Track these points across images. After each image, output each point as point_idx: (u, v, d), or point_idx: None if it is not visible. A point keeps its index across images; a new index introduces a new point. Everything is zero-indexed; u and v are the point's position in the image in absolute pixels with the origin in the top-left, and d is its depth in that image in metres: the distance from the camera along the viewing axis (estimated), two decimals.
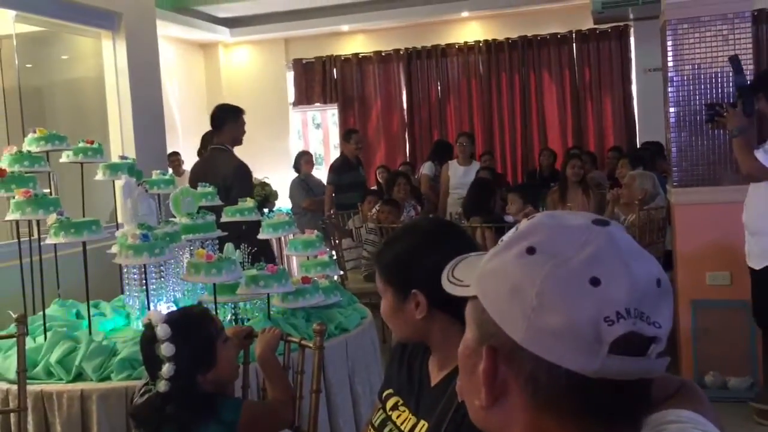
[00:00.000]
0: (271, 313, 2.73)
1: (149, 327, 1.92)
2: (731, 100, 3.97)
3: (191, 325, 1.94)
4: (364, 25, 8.92)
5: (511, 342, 0.73)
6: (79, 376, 2.44)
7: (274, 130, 9.12)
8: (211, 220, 3.09)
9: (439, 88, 9.04)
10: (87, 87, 5.48)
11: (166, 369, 1.85)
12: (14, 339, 2.35)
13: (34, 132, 3.05)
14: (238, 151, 4.53)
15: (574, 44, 8.56)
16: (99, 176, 3.09)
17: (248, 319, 2.74)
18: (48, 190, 3.00)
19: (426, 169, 7.48)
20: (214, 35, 8.88)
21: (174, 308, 2.65)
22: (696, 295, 4.20)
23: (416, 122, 9.10)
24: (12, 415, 2.39)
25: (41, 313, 2.72)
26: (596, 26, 8.15)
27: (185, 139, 8.22)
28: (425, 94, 9.06)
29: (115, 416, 2.34)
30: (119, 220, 3.04)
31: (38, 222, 2.83)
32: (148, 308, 2.63)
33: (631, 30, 8.22)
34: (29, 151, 2.95)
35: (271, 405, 2.08)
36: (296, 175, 7.36)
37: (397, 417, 1.50)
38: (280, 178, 8.19)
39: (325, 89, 9.30)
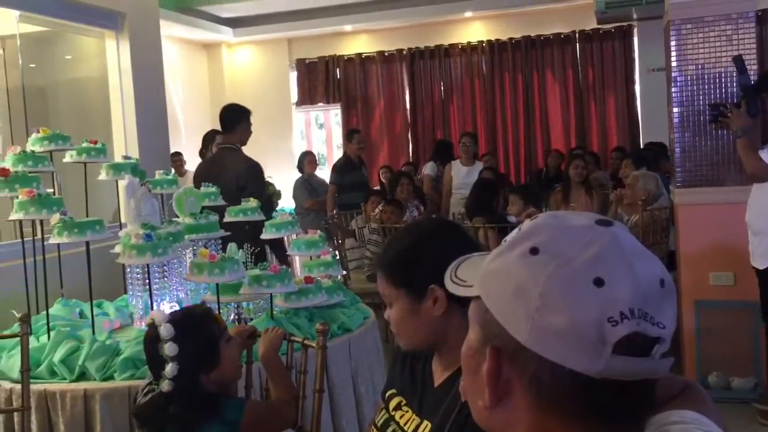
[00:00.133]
0: (274, 312, 2.73)
1: (152, 327, 1.92)
2: (735, 101, 3.97)
3: (194, 325, 1.94)
4: (368, 25, 8.92)
5: (515, 342, 0.73)
6: (83, 376, 2.44)
7: (277, 130, 9.12)
8: (214, 220, 3.10)
9: (442, 88, 9.03)
10: (90, 87, 5.49)
11: (170, 368, 1.85)
12: (18, 338, 2.36)
13: (38, 132, 3.05)
14: None
15: (577, 44, 8.55)
16: (102, 176, 3.09)
17: (251, 319, 2.74)
18: (51, 190, 2.99)
19: (428, 169, 7.48)
20: (217, 35, 8.88)
21: (177, 308, 2.65)
22: (699, 295, 4.20)
23: (419, 122, 9.10)
24: (15, 414, 2.40)
25: (45, 312, 2.73)
26: (600, 26, 8.14)
27: (188, 139, 8.22)
28: (428, 94, 9.05)
29: (119, 416, 2.34)
30: (122, 220, 3.04)
31: (42, 222, 2.84)
32: (151, 308, 2.63)
33: (635, 30, 8.21)
34: (33, 151, 2.96)
35: (274, 405, 2.09)
36: (300, 175, 7.37)
37: (400, 417, 1.50)
38: (283, 178, 8.20)
39: (328, 89, 9.30)
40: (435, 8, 8.40)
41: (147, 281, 2.71)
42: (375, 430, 1.55)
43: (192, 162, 6.77)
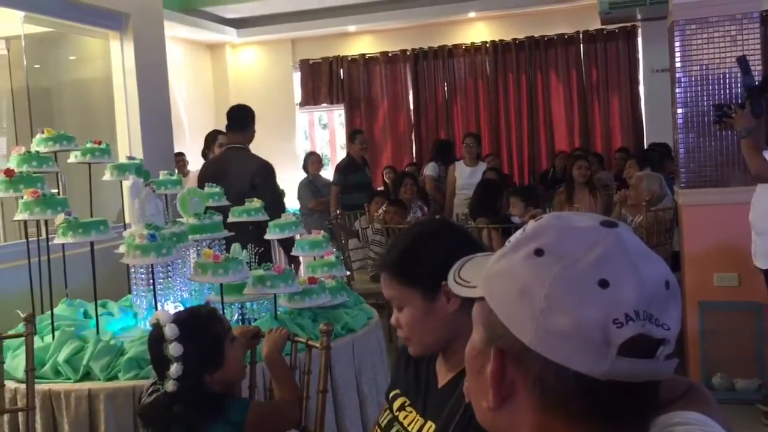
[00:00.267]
0: (278, 313, 2.74)
1: (157, 327, 1.93)
2: (739, 101, 3.96)
3: (199, 325, 1.95)
4: (371, 26, 8.92)
5: (519, 344, 0.73)
6: (87, 376, 2.45)
7: (280, 130, 9.13)
8: (218, 220, 3.10)
9: (445, 88, 9.03)
10: (95, 87, 5.50)
11: (174, 369, 1.86)
12: (22, 338, 2.36)
13: (43, 132, 3.06)
14: None
15: (581, 45, 8.54)
16: (107, 176, 3.10)
17: (255, 319, 2.75)
18: (56, 191, 3.01)
19: (429, 169, 7.44)
20: (221, 36, 8.89)
21: (181, 308, 2.66)
22: (703, 296, 4.19)
23: (423, 123, 9.10)
24: (20, 414, 2.40)
25: (49, 312, 2.73)
26: (603, 27, 8.13)
27: (192, 139, 8.23)
28: (432, 94, 9.05)
29: (123, 416, 2.34)
30: (127, 221, 3.04)
31: (46, 222, 2.84)
32: (156, 308, 2.64)
33: (639, 30, 8.20)
34: (37, 152, 2.96)
35: (278, 405, 2.09)
36: (304, 175, 7.37)
37: (404, 418, 1.50)
38: (286, 178, 8.20)
39: (331, 90, 9.31)
40: (438, 9, 8.40)
41: (151, 281, 2.71)
42: (379, 430, 1.55)
43: (195, 162, 6.78)
